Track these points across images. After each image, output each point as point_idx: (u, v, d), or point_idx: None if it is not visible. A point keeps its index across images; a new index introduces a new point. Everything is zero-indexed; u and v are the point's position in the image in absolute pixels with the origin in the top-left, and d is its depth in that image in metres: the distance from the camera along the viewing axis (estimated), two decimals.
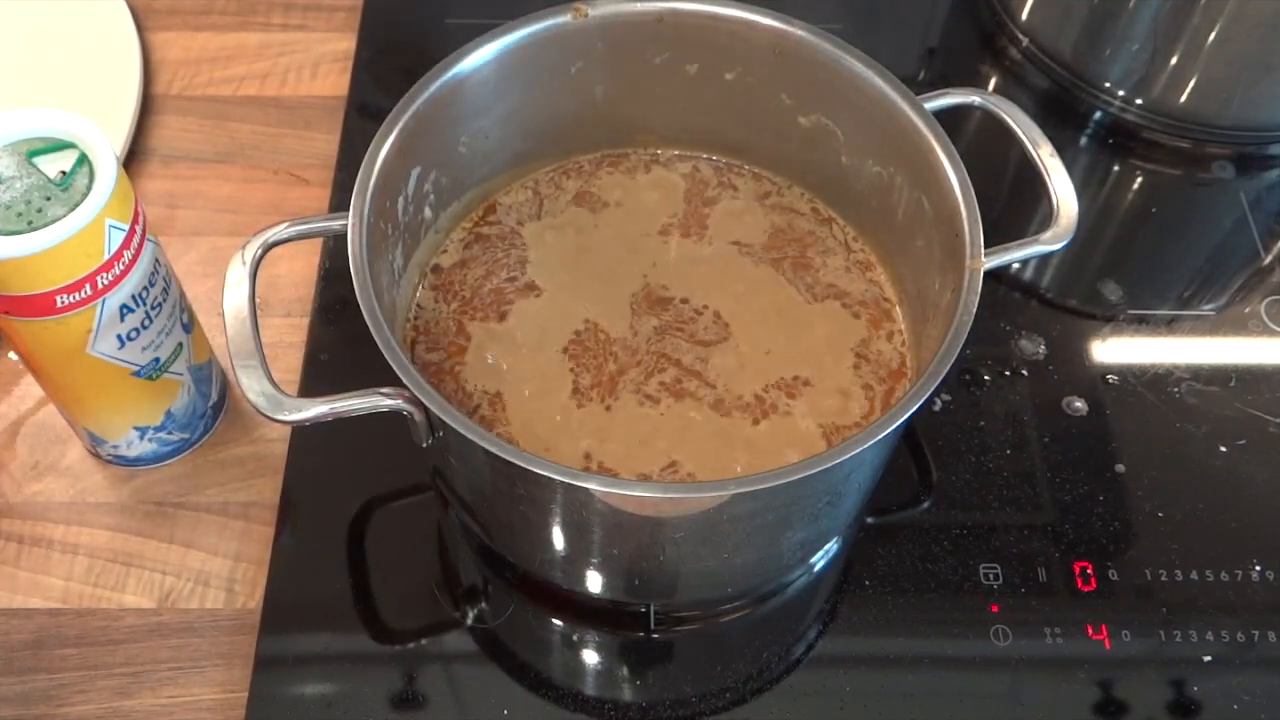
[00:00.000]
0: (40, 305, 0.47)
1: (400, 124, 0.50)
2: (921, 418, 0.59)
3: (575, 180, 0.60)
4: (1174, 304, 0.65)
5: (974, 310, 0.45)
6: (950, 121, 0.51)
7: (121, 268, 0.48)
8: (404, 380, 0.43)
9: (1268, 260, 0.67)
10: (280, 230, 0.47)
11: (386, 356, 0.43)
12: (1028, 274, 0.67)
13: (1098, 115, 0.73)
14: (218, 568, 0.55)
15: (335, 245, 0.64)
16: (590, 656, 0.54)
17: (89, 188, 0.46)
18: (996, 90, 0.75)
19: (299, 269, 0.65)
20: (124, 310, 0.49)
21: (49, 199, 0.46)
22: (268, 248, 0.47)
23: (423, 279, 0.56)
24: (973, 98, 0.53)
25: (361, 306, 0.44)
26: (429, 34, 0.76)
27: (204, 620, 0.54)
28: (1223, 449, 0.59)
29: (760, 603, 0.55)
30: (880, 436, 0.43)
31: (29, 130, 0.47)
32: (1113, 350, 0.63)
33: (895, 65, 0.53)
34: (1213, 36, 0.66)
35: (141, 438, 0.56)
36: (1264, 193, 0.70)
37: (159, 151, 0.70)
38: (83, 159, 0.47)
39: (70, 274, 0.46)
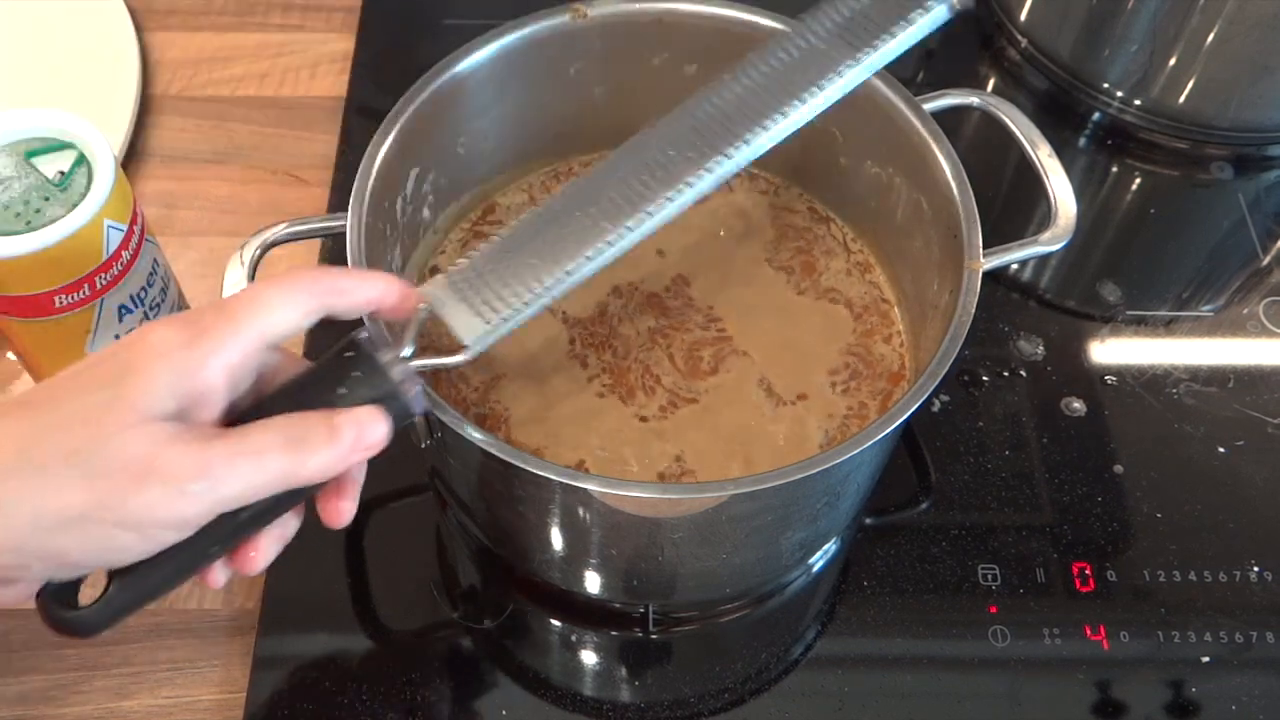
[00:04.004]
0: (39, 305, 0.47)
1: (399, 124, 0.50)
2: (920, 419, 0.59)
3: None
4: (1172, 305, 0.65)
5: (972, 311, 0.45)
6: (949, 122, 0.51)
7: (120, 268, 0.48)
8: None
9: (1266, 261, 0.67)
10: (279, 231, 0.47)
11: None
12: (1026, 275, 0.67)
13: (1096, 116, 0.73)
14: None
15: (334, 246, 0.64)
16: (589, 657, 0.54)
17: (87, 188, 0.46)
18: (995, 91, 0.75)
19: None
20: (122, 310, 0.49)
21: (47, 199, 0.46)
22: (266, 248, 0.47)
23: (421, 279, 0.56)
24: (971, 99, 0.53)
25: None
26: (428, 34, 0.76)
27: (202, 620, 0.54)
28: (1221, 450, 0.59)
29: (759, 603, 0.55)
30: (879, 437, 0.43)
31: (28, 130, 0.47)
32: (1111, 351, 0.63)
33: (894, 66, 0.52)
34: (1211, 37, 0.66)
35: None
36: (1262, 194, 0.70)
37: (158, 152, 0.70)
38: (81, 159, 0.47)
39: (69, 274, 0.46)
